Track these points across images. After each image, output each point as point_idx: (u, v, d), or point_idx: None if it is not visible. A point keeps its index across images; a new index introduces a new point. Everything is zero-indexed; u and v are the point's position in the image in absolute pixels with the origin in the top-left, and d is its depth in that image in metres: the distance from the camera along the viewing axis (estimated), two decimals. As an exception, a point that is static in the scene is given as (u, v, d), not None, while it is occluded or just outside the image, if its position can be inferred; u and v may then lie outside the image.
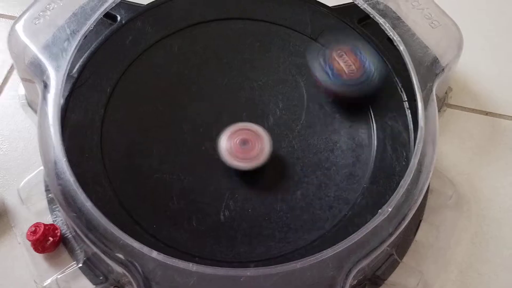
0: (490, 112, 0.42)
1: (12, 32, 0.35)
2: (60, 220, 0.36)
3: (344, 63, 0.35)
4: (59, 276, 0.33)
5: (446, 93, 0.42)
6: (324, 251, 0.28)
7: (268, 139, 0.34)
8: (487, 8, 0.47)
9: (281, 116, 0.38)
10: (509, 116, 0.42)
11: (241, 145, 0.34)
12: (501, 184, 0.39)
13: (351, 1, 0.39)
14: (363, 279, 0.34)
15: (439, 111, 0.42)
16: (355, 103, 0.37)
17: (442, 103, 0.42)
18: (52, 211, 0.36)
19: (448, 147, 0.41)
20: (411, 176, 0.31)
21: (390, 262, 0.35)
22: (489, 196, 0.39)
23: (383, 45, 0.39)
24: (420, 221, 0.38)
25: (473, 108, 0.42)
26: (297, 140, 0.37)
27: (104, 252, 0.27)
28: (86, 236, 0.28)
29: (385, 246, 0.30)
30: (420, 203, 0.38)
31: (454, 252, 0.37)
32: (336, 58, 0.35)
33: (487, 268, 0.36)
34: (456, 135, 0.41)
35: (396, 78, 0.38)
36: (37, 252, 0.34)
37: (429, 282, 0.36)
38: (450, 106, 0.42)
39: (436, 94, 0.40)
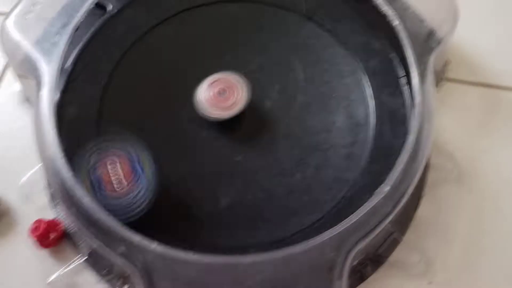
0: (489, 84, 0.42)
1: (3, 29, 0.35)
2: (62, 215, 0.36)
3: (114, 174, 0.29)
4: (64, 271, 0.34)
5: (444, 66, 0.42)
6: (322, 233, 0.29)
7: (245, 86, 0.34)
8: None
9: (278, 98, 0.38)
10: (508, 87, 0.41)
11: (219, 94, 0.34)
12: (501, 156, 0.39)
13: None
14: (365, 259, 0.34)
15: (437, 85, 0.41)
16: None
17: (441, 77, 0.42)
18: (54, 206, 0.36)
19: (448, 121, 0.40)
20: (408, 154, 0.31)
21: (392, 240, 0.35)
22: (490, 169, 0.38)
23: (380, 20, 0.39)
24: (421, 197, 0.38)
25: (472, 81, 0.42)
26: (295, 122, 0.37)
27: (104, 246, 0.28)
28: (86, 230, 0.28)
29: (384, 225, 0.30)
30: (420, 179, 0.38)
31: (455, 227, 0.37)
32: (107, 166, 0.29)
33: (489, 242, 0.36)
34: (456, 108, 0.41)
35: (393, 53, 0.38)
36: (42, 247, 0.35)
37: (431, 258, 0.36)
38: (449, 79, 0.42)
39: (434, 68, 0.39)
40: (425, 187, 0.38)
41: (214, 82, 0.35)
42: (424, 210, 0.37)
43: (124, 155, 0.29)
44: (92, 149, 0.29)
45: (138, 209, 0.29)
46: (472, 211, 0.37)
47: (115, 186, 0.29)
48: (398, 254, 0.36)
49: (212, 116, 0.34)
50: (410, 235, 0.36)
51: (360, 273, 0.34)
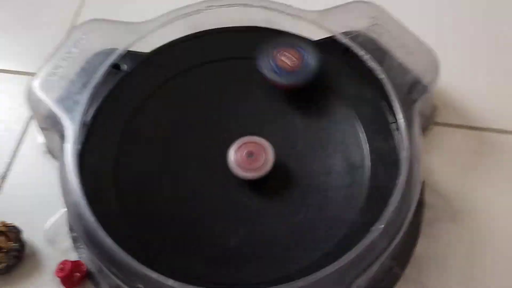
0: (476, 127, 0.45)
1: (30, 88, 0.39)
2: (85, 256, 0.39)
3: (286, 58, 0.40)
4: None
5: (432, 111, 0.45)
6: (323, 269, 0.31)
7: (271, 149, 0.38)
8: (464, 28, 0.50)
9: (280, 146, 0.41)
10: (493, 129, 0.45)
11: (247, 156, 0.37)
12: (490, 194, 0.41)
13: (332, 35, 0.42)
14: (367, 293, 0.36)
15: (427, 129, 0.45)
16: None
17: (430, 122, 0.45)
18: (77, 248, 0.39)
19: (439, 163, 0.43)
20: (400, 193, 0.33)
21: (392, 275, 0.38)
22: (481, 207, 0.41)
23: (369, 74, 0.42)
24: (418, 234, 0.40)
25: (459, 124, 0.45)
26: (296, 167, 0.40)
27: (125, 283, 0.30)
28: (109, 270, 0.31)
29: (381, 260, 0.32)
30: (417, 217, 0.40)
31: (452, 263, 0.39)
32: (279, 56, 0.41)
33: (485, 276, 0.38)
34: (445, 151, 0.44)
35: (383, 102, 0.41)
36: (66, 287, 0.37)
37: (430, 292, 0.38)
38: (437, 124, 0.45)
39: (422, 114, 0.43)
40: (422, 225, 0.41)
41: (242, 145, 0.39)
42: (422, 246, 0.40)
43: (290, 47, 0.41)
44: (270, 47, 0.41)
45: (309, 75, 0.40)
46: (467, 247, 0.40)
47: (289, 63, 0.40)
48: (398, 288, 0.38)
49: (244, 177, 0.38)
50: (410, 270, 0.39)
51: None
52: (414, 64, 0.39)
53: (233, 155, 0.38)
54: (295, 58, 0.40)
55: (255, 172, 0.37)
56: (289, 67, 0.40)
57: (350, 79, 0.43)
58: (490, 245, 0.39)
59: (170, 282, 0.30)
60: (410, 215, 0.34)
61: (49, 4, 0.55)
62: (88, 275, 0.38)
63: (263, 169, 0.37)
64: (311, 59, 0.40)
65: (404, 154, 0.35)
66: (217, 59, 0.45)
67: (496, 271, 0.38)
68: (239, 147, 0.38)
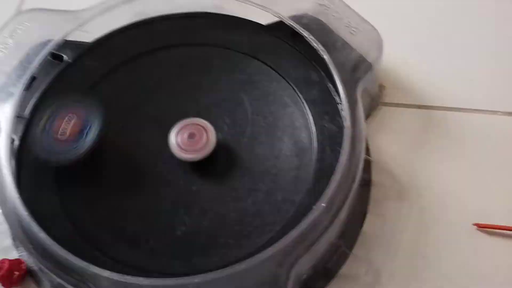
0: (422, 105, 0.45)
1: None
2: (25, 254, 0.38)
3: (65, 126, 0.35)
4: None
5: (380, 91, 0.45)
6: (264, 250, 0.31)
7: (213, 130, 0.37)
8: (408, 7, 0.50)
9: (228, 131, 0.41)
10: (439, 106, 0.45)
11: (188, 138, 0.37)
12: (437, 171, 0.42)
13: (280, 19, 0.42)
14: (315, 273, 0.36)
15: (375, 109, 0.45)
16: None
17: (377, 102, 0.45)
18: (16, 246, 0.38)
19: (386, 142, 0.43)
20: (341, 172, 0.33)
21: (339, 254, 0.38)
22: (427, 184, 0.41)
23: (316, 56, 0.42)
24: (366, 213, 0.40)
25: (407, 103, 0.45)
26: (245, 152, 0.40)
27: (60, 277, 0.29)
28: (43, 264, 0.30)
29: (325, 239, 0.32)
30: (364, 196, 0.41)
31: (400, 240, 0.39)
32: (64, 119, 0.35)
33: (431, 251, 0.39)
34: (394, 130, 0.44)
35: (329, 84, 0.41)
36: (5, 287, 0.36)
37: (379, 270, 0.38)
38: (385, 104, 0.45)
39: (369, 93, 0.43)
40: (369, 203, 0.41)
41: (183, 127, 0.38)
42: (370, 225, 0.40)
43: (81, 114, 0.35)
44: (60, 103, 0.36)
45: (71, 157, 0.34)
46: (414, 223, 0.40)
47: (59, 133, 0.34)
48: (347, 267, 0.38)
49: (185, 159, 0.37)
50: (358, 249, 0.39)
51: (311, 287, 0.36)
52: (358, 43, 0.39)
53: (174, 137, 0.37)
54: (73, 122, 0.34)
55: (197, 153, 0.37)
56: (70, 138, 0.34)
57: (298, 62, 0.43)
58: (437, 222, 0.40)
59: (106, 273, 0.30)
60: (352, 193, 0.34)
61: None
62: (29, 273, 0.36)
63: (204, 150, 0.37)
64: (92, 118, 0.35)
65: (345, 133, 0.35)
66: (160, 46, 0.44)
67: (444, 248, 0.39)
68: (180, 129, 0.37)
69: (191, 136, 0.38)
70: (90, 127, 0.35)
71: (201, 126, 0.38)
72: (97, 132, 0.35)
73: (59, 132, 0.34)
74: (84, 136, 0.35)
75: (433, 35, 0.48)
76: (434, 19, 0.49)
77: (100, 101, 0.36)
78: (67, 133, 0.34)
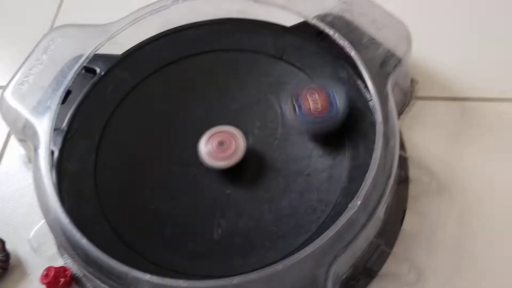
0: (456, 97, 0.44)
1: (2, 100, 0.39)
2: (70, 262, 0.39)
3: (313, 101, 0.37)
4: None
5: (412, 86, 0.45)
6: (303, 250, 0.30)
7: (242, 137, 0.38)
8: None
9: (260, 134, 0.41)
10: (474, 97, 0.44)
11: (218, 145, 0.37)
12: (476, 164, 0.41)
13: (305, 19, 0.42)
14: (355, 273, 0.36)
15: (408, 105, 0.44)
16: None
17: (410, 97, 0.44)
18: (62, 255, 0.39)
19: (422, 137, 0.42)
20: (375, 169, 0.33)
21: (380, 253, 0.37)
22: (467, 178, 0.40)
23: (343, 53, 0.42)
24: (405, 210, 0.39)
25: (440, 96, 0.44)
26: (277, 153, 0.40)
27: (104, 282, 0.30)
28: (86, 269, 0.31)
29: (362, 236, 0.32)
30: (402, 194, 0.40)
31: (441, 236, 0.38)
32: (307, 97, 0.38)
33: (474, 246, 0.38)
34: (428, 124, 0.43)
35: (358, 81, 0.41)
36: (51, 294, 0.37)
37: (421, 268, 0.37)
38: (418, 98, 0.44)
39: (401, 88, 0.42)
40: (407, 201, 0.40)
41: (212, 135, 0.38)
42: (409, 222, 0.39)
43: (322, 89, 0.38)
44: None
45: (330, 126, 0.37)
46: (455, 220, 0.39)
47: (312, 108, 0.37)
48: (388, 266, 0.37)
49: (216, 167, 0.37)
50: (398, 248, 0.38)
51: (353, 287, 0.36)
52: (385, 38, 0.39)
53: (203, 146, 0.37)
54: (322, 101, 0.37)
55: (227, 161, 0.37)
56: (315, 112, 0.37)
57: (326, 61, 0.42)
58: (478, 216, 0.39)
59: (147, 277, 0.30)
60: (387, 191, 0.33)
61: (23, 20, 0.56)
62: (74, 280, 0.37)
63: (234, 157, 0.37)
64: (339, 103, 0.37)
65: (377, 129, 0.34)
66: (188, 54, 0.44)
67: (486, 243, 0.38)
68: (210, 138, 0.38)
69: (220, 144, 0.38)
70: (334, 96, 0.37)
71: (230, 133, 0.38)
72: (343, 99, 0.37)
73: (312, 107, 0.37)
74: (335, 105, 0.37)
75: (463, 25, 0.47)
76: (463, 9, 0.48)
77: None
78: (320, 106, 0.37)
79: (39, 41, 0.42)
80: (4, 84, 0.41)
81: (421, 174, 0.41)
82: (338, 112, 0.37)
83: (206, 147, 0.38)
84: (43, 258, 0.39)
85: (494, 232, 0.38)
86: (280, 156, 0.40)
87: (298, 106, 0.37)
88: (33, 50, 0.41)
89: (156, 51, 0.45)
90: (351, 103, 0.39)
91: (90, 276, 0.32)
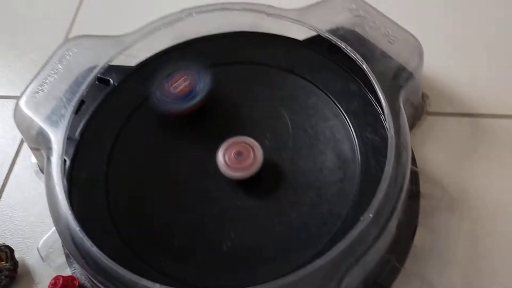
0: (468, 113, 0.44)
1: (16, 108, 0.40)
2: (78, 271, 0.38)
3: (175, 86, 0.40)
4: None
5: (423, 101, 0.45)
6: (314, 262, 0.30)
7: (260, 148, 0.38)
8: (448, 15, 0.50)
9: (270, 147, 0.41)
10: (486, 114, 0.44)
11: (236, 156, 0.37)
12: (487, 180, 0.40)
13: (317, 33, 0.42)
14: (365, 288, 0.35)
15: (419, 119, 0.44)
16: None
17: (422, 112, 0.44)
18: (70, 264, 0.39)
19: (434, 152, 0.42)
20: (387, 182, 0.33)
21: (390, 269, 0.36)
22: (478, 194, 0.40)
23: (355, 67, 0.42)
24: (416, 226, 0.39)
25: (452, 112, 0.44)
26: (287, 166, 0.40)
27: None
28: (95, 278, 0.31)
29: (373, 250, 0.31)
30: (413, 209, 0.40)
31: (453, 253, 0.38)
32: (173, 83, 0.40)
33: (486, 264, 0.37)
34: (439, 140, 0.43)
35: (370, 95, 0.41)
36: (59, 303, 0.37)
37: (432, 285, 0.36)
38: (430, 113, 0.44)
39: (412, 103, 0.42)
40: (419, 216, 0.40)
41: (230, 145, 0.38)
42: (420, 238, 0.38)
43: (192, 74, 0.40)
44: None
45: (190, 103, 0.39)
46: (466, 236, 0.38)
47: (175, 86, 0.39)
48: (399, 283, 0.36)
49: (234, 177, 0.38)
50: (409, 264, 0.37)
51: (362, 303, 0.35)
52: (397, 52, 0.39)
53: (221, 156, 0.37)
54: (186, 82, 0.40)
55: (245, 171, 0.37)
56: (180, 93, 0.40)
57: (337, 75, 0.43)
58: (491, 232, 0.38)
59: (157, 286, 0.30)
60: (399, 204, 0.33)
61: (39, 29, 0.57)
62: (81, 290, 0.37)
63: (252, 168, 0.37)
64: (203, 81, 0.40)
65: (389, 143, 0.34)
66: (200, 67, 0.45)
67: (499, 261, 0.37)
68: (227, 148, 0.38)
69: (238, 154, 0.38)
70: (198, 90, 0.39)
71: (248, 144, 0.38)
72: (204, 93, 0.39)
73: (172, 87, 0.39)
74: (192, 95, 0.39)
75: (475, 41, 0.47)
76: (475, 25, 0.49)
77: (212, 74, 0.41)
78: (179, 89, 0.39)
79: (55, 51, 0.43)
80: (18, 94, 0.42)
81: (433, 189, 0.40)
82: (194, 98, 0.39)
83: (224, 156, 0.37)
84: (51, 267, 0.39)
85: (506, 250, 0.38)
86: (290, 169, 0.40)
87: (161, 89, 0.40)
88: (48, 60, 0.42)
89: (169, 63, 0.45)
90: (364, 116, 0.40)
91: (99, 285, 0.31)
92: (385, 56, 0.39)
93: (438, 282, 0.37)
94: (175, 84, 0.39)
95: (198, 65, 0.41)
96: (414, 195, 0.40)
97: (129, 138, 0.42)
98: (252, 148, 0.38)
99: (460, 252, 0.38)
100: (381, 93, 0.36)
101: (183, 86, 0.39)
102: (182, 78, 0.40)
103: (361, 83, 0.41)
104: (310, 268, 0.30)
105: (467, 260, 0.37)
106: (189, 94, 0.40)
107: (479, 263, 0.37)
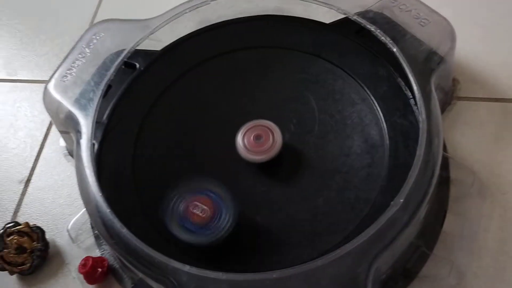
0: (499, 98, 0.43)
1: (45, 92, 0.40)
2: (107, 252, 0.39)
3: (200, 211, 0.34)
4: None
5: (454, 86, 0.44)
6: (343, 246, 0.30)
7: (279, 131, 0.37)
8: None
9: (296, 130, 0.41)
10: (517, 98, 0.43)
11: (255, 139, 0.37)
12: (518, 165, 0.39)
13: (345, 15, 0.42)
14: (394, 274, 0.35)
15: (450, 104, 0.43)
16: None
17: (452, 97, 0.43)
18: (99, 245, 0.39)
19: (464, 138, 0.42)
20: (418, 166, 0.32)
21: (420, 255, 0.36)
22: (509, 180, 0.39)
23: (383, 50, 0.41)
24: (446, 212, 0.39)
25: (482, 97, 0.43)
26: (313, 151, 0.40)
27: (142, 272, 0.30)
28: (126, 259, 0.31)
29: (403, 236, 0.31)
30: (443, 195, 0.39)
31: (482, 239, 0.37)
32: (192, 210, 0.34)
33: (517, 249, 0.36)
34: (470, 125, 0.42)
35: (399, 78, 0.40)
36: (89, 283, 0.37)
37: (462, 271, 0.36)
38: (460, 98, 0.43)
39: (443, 88, 0.41)
40: (448, 202, 0.39)
41: (249, 129, 0.38)
42: (450, 224, 0.38)
43: (205, 197, 0.34)
44: (176, 199, 0.34)
45: (223, 232, 0.33)
46: (496, 222, 0.38)
47: (200, 215, 0.33)
48: (428, 268, 0.36)
49: (252, 161, 0.37)
50: (438, 249, 0.37)
51: (391, 288, 0.35)
52: (429, 35, 0.38)
53: (240, 139, 0.37)
54: (207, 207, 0.33)
55: (264, 155, 0.37)
56: (201, 219, 0.33)
57: (365, 59, 0.42)
58: (522, 219, 0.37)
59: (187, 268, 0.30)
60: (431, 189, 0.32)
61: (66, 14, 0.57)
62: (111, 271, 0.38)
63: (271, 151, 0.37)
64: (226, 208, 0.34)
65: (421, 127, 0.33)
66: (225, 51, 0.45)
67: (531, 246, 0.36)
68: (247, 131, 0.38)
69: (257, 137, 0.38)
70: (221, 216, 0.33)
71: (267, 127, 0.38)
72: (230, 222, 0.34)
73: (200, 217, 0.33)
74: (217, 222, 0.33)
75: (506, 25, 0.46)
76: (507, 9, 0.47)
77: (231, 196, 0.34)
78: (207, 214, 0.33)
79: (82, 35, 0.43)
80: (45, 78, 0.42)
81: (463, 175, 0.40)
82: (226, 214, 0.34)
83: (243, 140, 0.37)
84: (80, 248, 0.40)
85: (537, 236, 0.37)
86: (317, 153, 0.39)
87: (186, 222, 0.33)
88: (76, 44, 0.42)
89: (195, 47, 0.45)
90: (393, 100, 0.39)
91: (128, 265, 0.32)
92: (415, 39, 0.38)
93: (467, 268, 0.36)
94: (196, 209, 0.33)
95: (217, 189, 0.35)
96: (444, 181, 0.39)
97: (155, 122, 0.42)
98: (271, 131, 0.38)
99: (490, 239, 0.37)
100: (412, 76, 0.36)
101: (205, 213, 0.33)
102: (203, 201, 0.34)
103: (390, 67, 0.40)
104: (339, 252, 0.30)
105: (497, 246, 0.37)
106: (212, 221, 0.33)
107: (509, 249, 0.37)
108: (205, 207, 0.33)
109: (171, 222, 0.33)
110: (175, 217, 0.33)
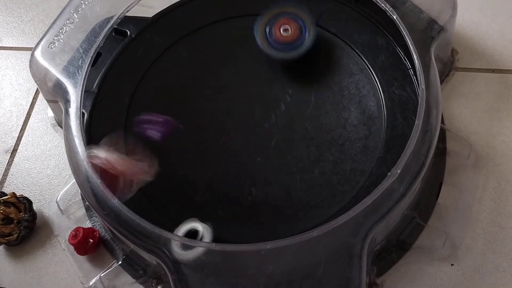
0: (497, 69, 0.42)
1: (32, 59, 0.39)
2: (98, 224, 0.38)
3: (284, 30, 0.39)
4: (102, 275, 0.36)
5: (452, 56, 0.43)
6: (338, 217, 0.29)
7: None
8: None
9: (292, 101, 0.40)
10: (514, 69, 0.42)
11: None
12: (515, 137, 0.39)
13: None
14: (388, 245, 0.35)
15: (448, 75, 0.42)
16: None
17: (450, 67, 0.43)
18: (90, 217, 0.39)
19: (461, 108, 0.41)
20: (416, 137, 0.31)
21: (414, 226, 0.36)
22: (504, 152, 0.39)
23: (383, 19, 0.40)
24: (441, 183, 0.38)
25: (480, 68, 0.42)
26: (310, 122, 0.39)
27: (134, 243, 0.30)
28: (117, 230, 0.30)
29: (399, 207, 0.31)
30: (439, 166, 0.39)
31: (476, 211, 0.37)
32: (279, 26, 0.39)
33: (509, 222, 0.36)
34: (467, 96, 0.42)
35: (398, 48, 0.39)
36: (80, 254, 0.37)
37: (455, 242, 0.36)
38: (458, 68, 0.43)
39: (441, 58, 0.40)
40: (444, 174, 0.39)
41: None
42: (445, 196, 0.38)
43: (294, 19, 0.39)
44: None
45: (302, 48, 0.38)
46: (490, 194, 0.38)
47: (282, 36, 0.38)
48: (422, 239, 0.36)
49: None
50: (433, 221, 0.37)
51: (385, 259, 0.35)
52: (429, 3, 0.37)
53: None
54: (293, 29, 0.39)
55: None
56: (285, 39, 0.39)
57: (363, 27, 0.41)
58: (515, 191, 0.37)
59: (179, 238, 0.29)
60: (428, 161, 0.32)
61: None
62: (102, 243, 0.37)
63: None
64: (308, 33, 0.39)
65: (420, 97, 0.33)
66: (219, 19, 0.43)
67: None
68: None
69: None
70: (306, 31, 0.39)
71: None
72: (312, 33, 0.39)
73: (282, 36, 0.38)
74: (304, 34, 0.39)
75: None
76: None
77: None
78: (289, 35, 0.39)
79: (70, 0, 0.41)
80: (31, 45, 0.40)
81: (459, 147, 0.39)
82: (304, 43, 0.39)
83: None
84: (70, 220, 0.39)
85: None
86: (312, 125, 0.39)
87: (269, 33, 0.39)
88: (63, 9, 0.40)
89: (187, 15, 0.44)
90: (391, 71, 0.38)
91: (120, 236, 0.31)
92: (416, 7, 0.37)
93: (461, 239, 0.36)
94: (283, 28, 0.38)
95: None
96: (440, 152, 0.39)
97: (147, 91, 0.41)
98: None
99: (484, 211, 0.37)
100: (412, 45, 0.35)
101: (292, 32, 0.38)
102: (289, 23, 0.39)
103: (389, 36, 0.39)
104: (334, 223, 0.30)
105: (490, 218, 0.37)
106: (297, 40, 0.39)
107: (503, 221, 0.37)
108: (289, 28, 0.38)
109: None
110: None
